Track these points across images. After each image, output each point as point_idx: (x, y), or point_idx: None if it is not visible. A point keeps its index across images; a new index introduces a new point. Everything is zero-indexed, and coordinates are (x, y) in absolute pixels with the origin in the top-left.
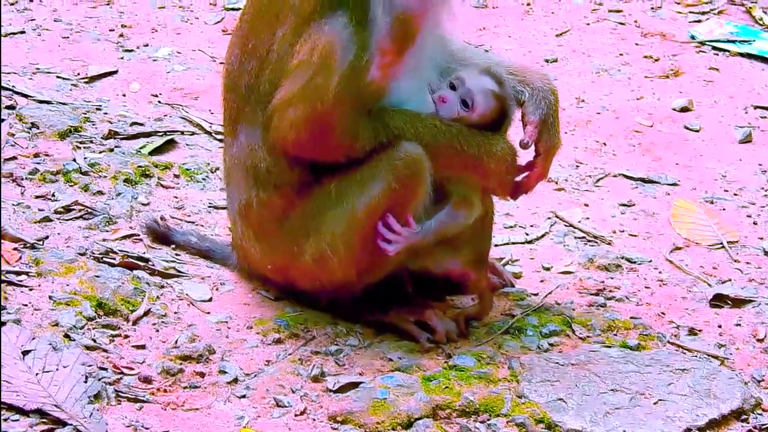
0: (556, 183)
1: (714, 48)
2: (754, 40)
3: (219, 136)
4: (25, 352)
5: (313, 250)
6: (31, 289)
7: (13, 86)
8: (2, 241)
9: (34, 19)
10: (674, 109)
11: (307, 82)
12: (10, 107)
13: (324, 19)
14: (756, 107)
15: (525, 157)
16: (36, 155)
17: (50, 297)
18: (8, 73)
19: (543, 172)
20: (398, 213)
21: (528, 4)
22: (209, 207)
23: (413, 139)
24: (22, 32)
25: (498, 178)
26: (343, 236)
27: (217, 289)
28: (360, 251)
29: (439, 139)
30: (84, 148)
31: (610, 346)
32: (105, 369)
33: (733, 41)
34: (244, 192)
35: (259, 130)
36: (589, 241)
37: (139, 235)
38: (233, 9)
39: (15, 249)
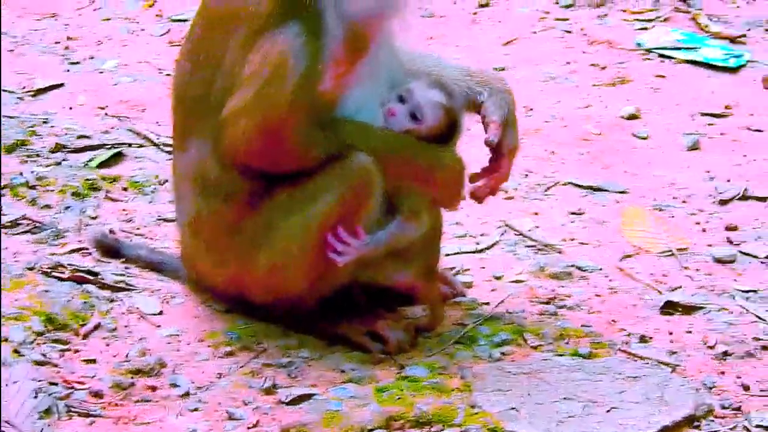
0: (506, 192)
1: (660, 55)
2: (699, 47)
3: (167, 148)
4: None
5: (265, 262)
6: None
7: None
8: None
9: None
10: (622, 117)
11: (259, 92)
12: None
13: (277, 29)
14: (703, 114)
15: (473, 167)
16: None
17: None
18: None
19: (507, 174)
20: (349, 224)
21: (475, 14)
22: (158, 219)
23: (364, 149)
24: None
25: (447, 189)
26: (294, 247)
27: (167, 303)
28: (312, 262)
29: (390, 151)
30: (31, 161)
31: (561, 355)
32: (55, 384)
33: (679, 48)
34: (194, 204)
35: (209, 141)
36: (540, 249)
37: (88, 248)
38: (179, 20)
39: None
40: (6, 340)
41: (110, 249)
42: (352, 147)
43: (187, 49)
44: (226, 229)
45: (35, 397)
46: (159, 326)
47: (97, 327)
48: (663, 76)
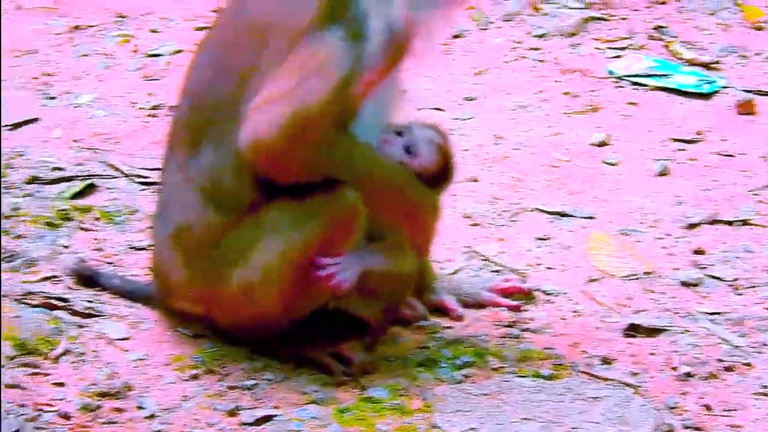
0: (472, 218)
1: (633, 83)
2: (672, 74)
3: (138, 179)
4: None
5: (240, 280)
6: None
7: None
8: None
9: None
10: (592, 144)
11: (299, 84)
12: None
13: (320, 33)
14: (674, 140)
15: None
16: None
17: None
18: None
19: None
20: (328, 253)
21: (447, 44)
22: (128, 248)
23: (365, 173)
24: None
25: (427, 234)
26: (271, 269)
27: (135, 328)
28: (287, 286)
29: (392, 179)
30: (6, 192)
31: (523, 376)
32: (24, 406)
33: (652, 75)
34: (190, 213)
35: (227, 149)
36: (505, 274)
37: (59, 276)
38: (154, 55)
39: None
40: None
41: (87, 279)
42: (355, 166)
43: (207, 59)
44: (210, 242)
45: (5, 418)
46: (127, 351)
47: (66, 352)
48: (635, 104)
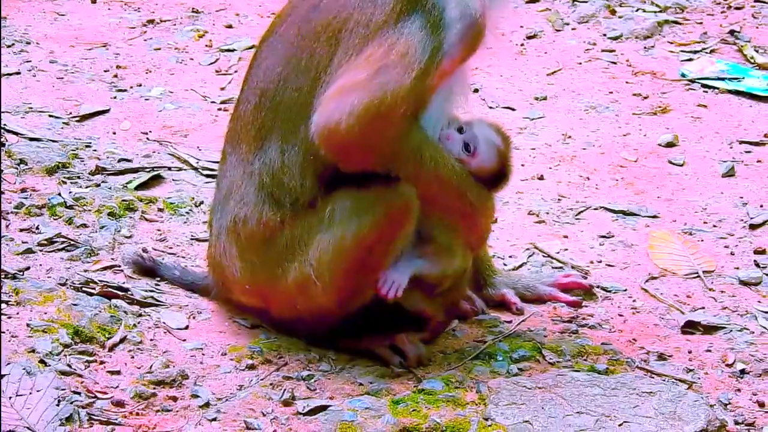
0: (537, 216)
1: (704, 85)
2: (743, 78)
3: (206, 172)
4: None
5: (296, 273)
6: (9, 317)
7: (4, 125)
8: None
9: (30, 61)
10: (659, 145)
11: (378, 73)
12: (0, 144)
13: (399, 23)
14: (741, 142)
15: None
16: (23, 190)
17: (28, 324)
18: (1, 112)
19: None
20: (382, 248)
21: (521, 45)
22: (191, 239)
23: (431, 168)
24: (18, 73)
25: (481, 234)
26: (328, 261)
27: (194, 318)
28: (344, 279)
29: (453, 177)
30: (71, 183)
31: (578, 371)
32: (78, 393)
33: (723, 79)
34: (248, 207)
35: (296, 146)
36: (566, 271)
37: (119, 266)
38: (228, 50)
39: None
40: (33, 351)
41: (146, 268)
42: (422, 160)
43: (277, 57)
44: (267, 235)
45: (57, 405)
46: (184, 340)
47: (123, 340)
48: (705, 106)
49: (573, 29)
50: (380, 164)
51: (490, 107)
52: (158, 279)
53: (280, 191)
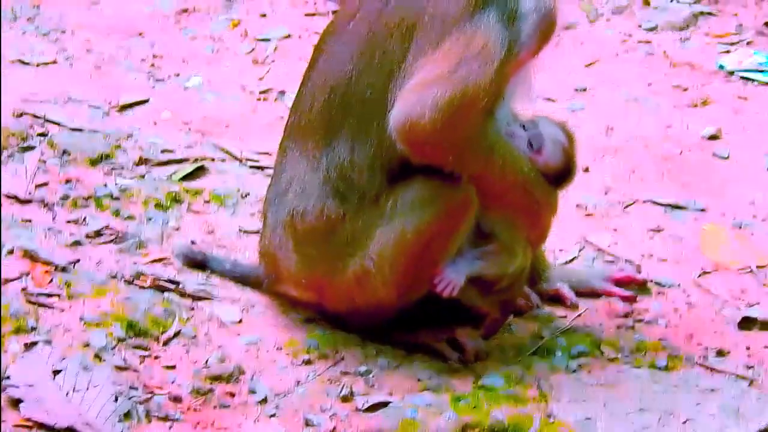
0: (585, 209)
1: (742, 77)
2: None
3: (249, 163)
4: (56, 372)
5: (356, 268)
6: (62, 311)
7: (44, 114)
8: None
9: (66, 50)
10: (703, 137)
11: (459, 66)
12: (42, 135)
13: (476, 16)
14: None
15: None
16: (67, 181)
17: (81, 318)
18: (40, 102)
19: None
20: (442, 242)
21: (558, 36)
22: (239, 231)
23: (503, 164)
24: (54, 62)
25: (543, 231)
26: (388, 256)
27: (247, 312)
28: (403, 273)
29: (521, 175)
30: (115, 174)
31: (638, 367)
32: (135, 388)
33: (762, 71)
34: (308, 201)
35: (368, 143)
36: (619, 265)
37: (169, 258)
38: (264, 40)
39: (46, 272)
40: (87, 345)
41: (197, 261)
42: (496, 156)
43: (346, 54)
44: (326, 230)
45: (115, 400)
46: (238, 334)
47: (177, 334)
48: (745, 98)
49: (608, 20)
50: (455, 158)
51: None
52: (209, 272)
53: (346, 186)
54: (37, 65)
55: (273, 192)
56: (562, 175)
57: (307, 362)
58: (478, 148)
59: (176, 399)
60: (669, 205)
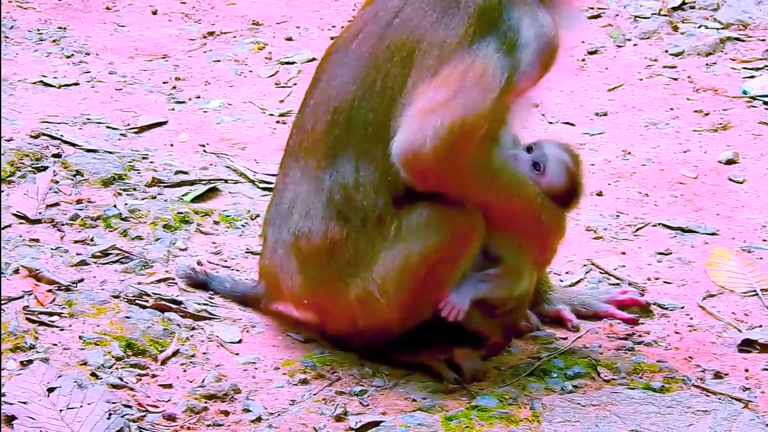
0: (595, 232)
1: (765, 103)
2: None
3: (262, 185)
4: (51, 389)
5: (359, 290)
6: (61, 329)
7: (61, 135)
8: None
9: (89, 72)
10: (720, 162)
11: (458, 94)
12: (57, 155)
13: (474, 45)
14: None
15: None
16: (78, 201)
17: (80, 337)
18: (58, 123)
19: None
20: (448, 266)
21: (583, 60)
22: (246, 252)
23: (509, 189)
24: (76, 84)
25: (550, 254)
26: (392, 279)
27: (247, 332)
28: (408, 296)
29: (527, 199)
30: (126, 194)
31: (633, 388)
32: (130, 407)
33: None
34: (312, 222)
35: (371, 164)
36: (623, 287)
37: (174, 279)
38: (288, 63)
39: (49, 291)
40: (84, 363)
41: (198, 281)
42: (501, 182)
43: (350, 77)
44: (329, 251)
45: (108, 418)
46: (237, 354)
47: (175, 353)
48: (766, 123)
49: (635, 45)
50: (460, 185)
51: (550, 122)
52: (212, 292)
53: (350, 208)
54: (59, 87)
55: (274, 211)
56: (567, 196)
57: (303, 382)
58: (482, 175)
59: (170, 417)
60: (679, 229)
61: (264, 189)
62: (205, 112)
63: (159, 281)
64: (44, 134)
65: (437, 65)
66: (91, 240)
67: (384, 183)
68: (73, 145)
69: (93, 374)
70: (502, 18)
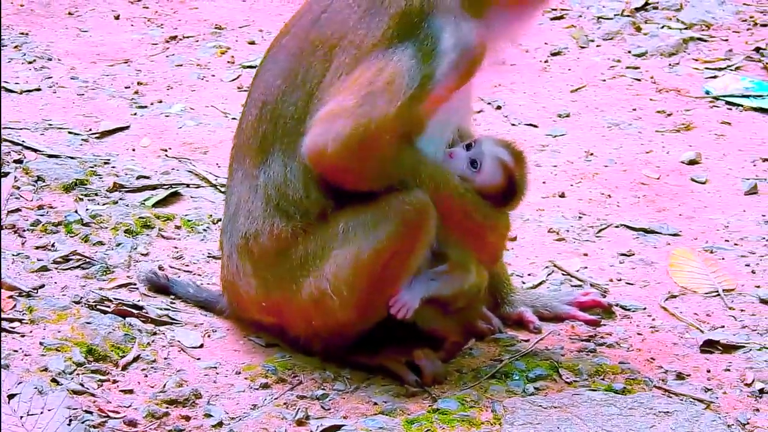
0: (557, 233)
1: (728, 103)
2: None
3: (224, 189)
4: (11, 396)
5: (313, 289)
6: (22, 336)
7: (23, 141)
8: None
9: (51, 77)
10: (682, 162)
11: (364, 100)
12: (18, 161)
13: (390, 48)
14: (764, 160)
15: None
16: (40, 207)
17: (41, 343)
18: (20, 129)
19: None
20: (401, 260)
21: (546, 62)
22: (208, 257)
23: (431, 188)
24: (38, 89)
25: (493, 253)
26: (345, 276)
27: (209, 336)
28: (362, 293)
29: (454, 199)
30: (88, 200)
31: (594, 390)
32: (90, 413)
33: (748, 96)
34: (257, 222)
35: (297, 159)
36: (585, 289)
37: (135, 284)
38: (251, 67)
39: (10, 297)
40: (45, 369)
41: (160, 286)
42: (420, 180)
43: (278, 70)
44: (280, 249)
45: (69, 424)
46: (198, 359)
47: (136, 359)
48: (728, 123)
49: (598, 46)
50: (374, 185)
51: (513, 124)
52: (173, 297)
53: (287, 204)
54: (21, 92)
55: (225, 218)
56: (505, 194)
57: (265, 386)
58: (394, 175)
59: (131, 423)
60: (642, 230)
61: (225, 193)
62: (167, 116)
63: (120, 286)
64: (5, 140)
65: (353, 64)
66: (53, 246)
67: (311, 177)
68: (35, 150)
69: (54, 380)
70: (422, 25)
